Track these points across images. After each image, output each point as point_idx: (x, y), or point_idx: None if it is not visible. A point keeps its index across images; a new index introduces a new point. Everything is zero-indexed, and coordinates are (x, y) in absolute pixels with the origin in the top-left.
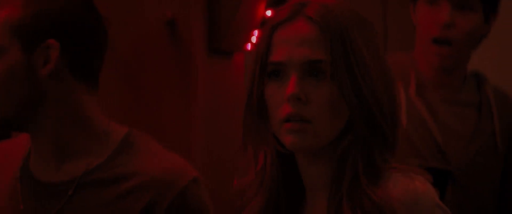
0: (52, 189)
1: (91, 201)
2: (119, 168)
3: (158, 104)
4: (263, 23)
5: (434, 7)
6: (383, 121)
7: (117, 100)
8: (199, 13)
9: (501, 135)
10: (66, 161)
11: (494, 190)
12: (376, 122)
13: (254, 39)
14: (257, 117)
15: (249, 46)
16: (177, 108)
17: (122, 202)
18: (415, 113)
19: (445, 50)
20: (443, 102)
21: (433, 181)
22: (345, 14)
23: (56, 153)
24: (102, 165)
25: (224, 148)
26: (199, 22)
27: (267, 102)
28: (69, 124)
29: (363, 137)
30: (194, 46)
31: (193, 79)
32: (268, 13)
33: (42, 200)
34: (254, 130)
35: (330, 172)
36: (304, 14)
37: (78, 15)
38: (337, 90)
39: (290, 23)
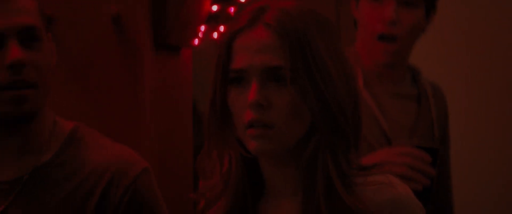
0: (4, 187)
1: (44, 197)
2: (69, 162)
3: (105, 100)
4: (210, 18)
5: (378, 4)
6: (345, 123)
7: (64, 97)
8: (145, 8)
9: (437, 125)
10: (21, 157)
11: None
12: (338, 125)
13: (200, 34)
14: (221, 123)
15: (196, 42)
16: (125, 103)
17: (76, 195)
18: (364, 106)
19: (391, 47)
20: (387, 95)
21: None
22: (304, 18)
23: (18, 149)
24: (52, 160)
25: (172, 143)
26: (145, 18)
27: (230, 108)
28: (41, 117)
29: (328, 140)
30: (140, 41)
31: (140, 74)
32: (214, 8)
33: None
34: (218, 135)
35: (295, 176)
36: (262, 20)
37: None
38: (299, 94)
39: (249, 30)
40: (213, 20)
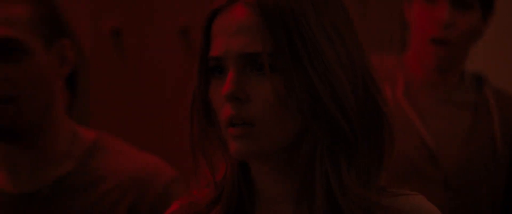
0: (24, 199)
1: (68, 207)
2: (93, 171)
3: (176, 111)
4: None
5: (432, 6)
6: (346, 124)
7: (131, 109)
8: None
9: (502, 139)
10: (39, 168)
11: (494, 196)
12: (336, 125)
13: None
14: (204, 121)
15: None
16: None
17: (100, 206)
18: (402, 115)
19: (443, 50)
20: (436, 103)
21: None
22: None
23: (33, 160)
24: (75, 170)
25: None
26: None
27: (212, 104)
28: (54, 128)
29: (325, 143)
30: None
31: None
32: None
33: (13, 212)
34: (202, 136)
35: (291, 183)
36: None
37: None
38: (284, 85)
39: (228, 10)
40: None
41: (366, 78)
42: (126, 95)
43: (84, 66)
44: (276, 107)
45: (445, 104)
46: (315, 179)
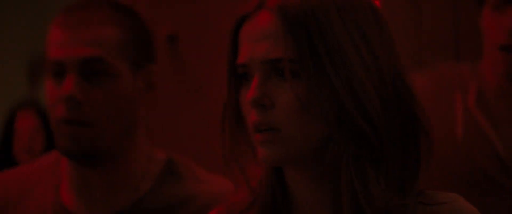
0: None
1: None
2: (168, 197)
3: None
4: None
5: (500, 13)
6: (369, 129)
7: (186, 118)
8: None
9: None
10: (114, 192)
11: None
12: (360, 131)
13: None
14: (236, 128)
15: None
16: None
17: None
18: (474, 124)
19: None
20: (510, 112)
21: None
22: None
23: (109, 184)
24: (149, 195)
25: None
26: None
27: (242, 110)
28: (132, 153)
29: (350, 149)
30: None
31: None
32: None
33: None
34: (233, 142)
35: (322, 188)
36: (266, 4)
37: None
38: (306, 90)
39: (253, 16)
40: None
41: (397, 84)
42: (184, 101)
43: None
44: (299, 113)
45: None
46: (341, 186)
